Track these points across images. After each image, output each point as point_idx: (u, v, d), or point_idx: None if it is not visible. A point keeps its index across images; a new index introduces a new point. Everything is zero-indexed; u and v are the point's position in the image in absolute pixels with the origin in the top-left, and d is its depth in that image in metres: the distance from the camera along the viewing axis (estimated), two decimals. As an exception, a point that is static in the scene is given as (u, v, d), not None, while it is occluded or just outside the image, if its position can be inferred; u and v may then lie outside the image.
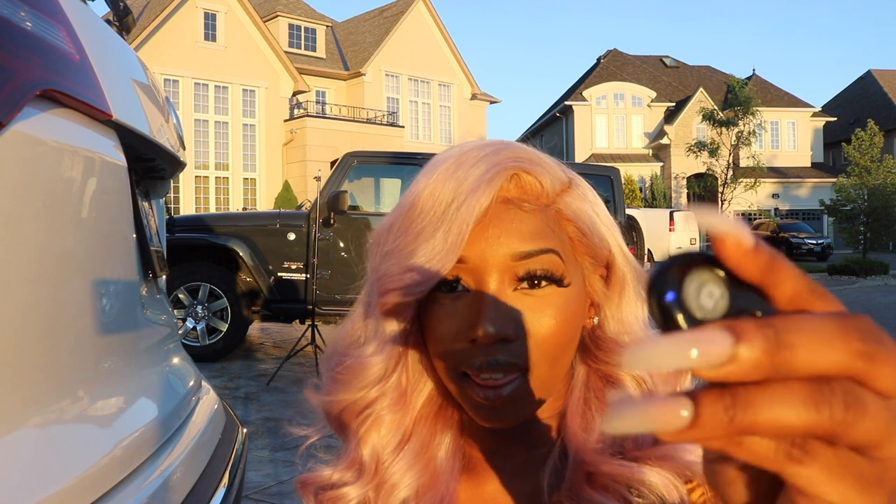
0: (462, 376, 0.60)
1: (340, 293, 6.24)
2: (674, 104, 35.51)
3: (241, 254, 6.44)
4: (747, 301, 0.27)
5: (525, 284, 0.59)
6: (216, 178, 23.91)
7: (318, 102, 26.53)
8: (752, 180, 25.20)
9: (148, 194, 1.60)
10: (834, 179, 30.52)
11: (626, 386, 0.63)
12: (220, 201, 23.90)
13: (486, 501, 0.66)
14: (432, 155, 0.69)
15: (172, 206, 21.44)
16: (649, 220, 17.82)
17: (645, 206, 27.22)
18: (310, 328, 5.60)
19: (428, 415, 0.67)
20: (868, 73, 41.66)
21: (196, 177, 23.29)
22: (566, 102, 36.31)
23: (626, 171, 27.42)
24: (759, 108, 26.01)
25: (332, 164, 7.53)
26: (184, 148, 1.78)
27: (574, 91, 37.12)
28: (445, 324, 0.60)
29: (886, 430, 0.24)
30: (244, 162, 24.31)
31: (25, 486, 0.80)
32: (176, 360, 1.60)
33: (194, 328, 6.32)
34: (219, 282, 6.37)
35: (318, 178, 6.22)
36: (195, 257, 6.45)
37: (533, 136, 40.51)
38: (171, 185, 1.95)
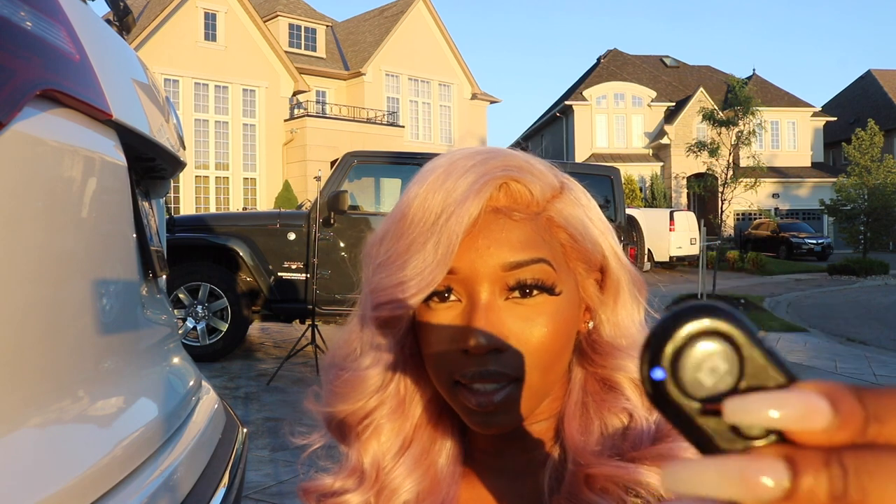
0: (454, 384, 0.60)
1: (340, 293, 6.23)
2: (674, 104, 35.47)
3: (241, 254, 6.44)
4: (759, 376, 0.23)
5: (516, 294, 0.59)
6: (216, 177, 23.89)
7: (318, 102, 26.51)
8: (753, 180, 25.14)
9: (148, 194, 1.60)
10: (834, 179, 30.53)
11: (624, 390, 0.62)
12: (220, 201, 23.88)
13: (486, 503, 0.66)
14: (432, 155, 0.69)
15: (172, 205, 21.43)
16: (649, 220, 17.84)
17: (645, 206, 27.22)
18: (310, 328, 5.61)
19: (428, 421, 0.67)
20: (868, 72, 41.64)
21: (196, 177, 23.28)
22: (566, 102, 36.27)
23: (627, 170, 27.40)
24: (759, 108, 25.96)
25: (333, 163, 7.54)
26: (184, 148, 1.78)
27: (574, 91, 37.08)
28: (438, 332, 0.60)
29: None
30: (244, 162, 24.29)
31: (25, 486, 0.80)
32: (176, 360, 1.60)
33: (194, 328, 6.32)
34: (219, 282, 6.37)
35: (318, 178, 6.22)
36: (195, 257, 6.44)
37: (533, 135, 40.54)
38: (172, 184, 1.95)
